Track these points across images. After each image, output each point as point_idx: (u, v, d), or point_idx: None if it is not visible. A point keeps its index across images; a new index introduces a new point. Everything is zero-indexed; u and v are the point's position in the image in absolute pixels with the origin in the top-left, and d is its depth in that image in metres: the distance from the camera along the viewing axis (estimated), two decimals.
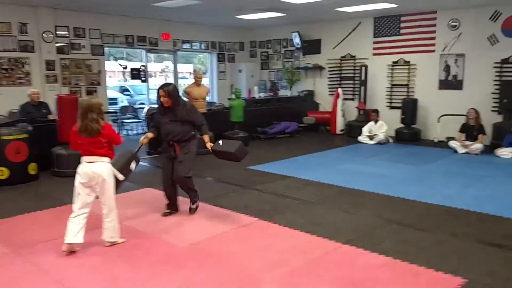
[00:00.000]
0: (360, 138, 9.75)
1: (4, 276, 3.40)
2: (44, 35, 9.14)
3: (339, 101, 10.82)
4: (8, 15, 8.75)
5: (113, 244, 3.94)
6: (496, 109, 9.13)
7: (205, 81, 11.82)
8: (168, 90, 4.45)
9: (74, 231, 3.73)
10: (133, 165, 4.15)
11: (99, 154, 3.81)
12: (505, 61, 9.01)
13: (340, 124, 10.85)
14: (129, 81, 12.48)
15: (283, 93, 12.31)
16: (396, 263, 3.61)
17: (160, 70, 19.72)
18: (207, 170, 6.93)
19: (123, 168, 4.07)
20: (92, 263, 3.64)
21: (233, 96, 9.73)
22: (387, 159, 7.98)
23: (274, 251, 3.88)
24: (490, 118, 8.90)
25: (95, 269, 3.54)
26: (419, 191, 5.71)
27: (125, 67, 11.08)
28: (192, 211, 4.87)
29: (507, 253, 3.82)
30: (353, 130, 10.34)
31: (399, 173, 6.85)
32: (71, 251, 3.76)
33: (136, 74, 11.13)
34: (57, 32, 9.41)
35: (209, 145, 4.61)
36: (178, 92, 4.66)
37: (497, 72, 9.11)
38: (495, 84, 9.13)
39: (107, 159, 3.87)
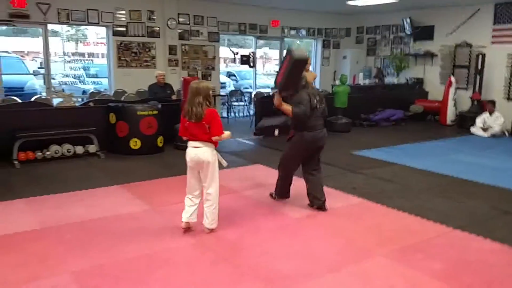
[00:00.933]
0: (473, 130, 9.30)
1: (149, 228, 4.03)
2: (168, 22, 10.05)
3: (451, 90, 10.35)
4: (140, 4, 9.77)
5: (212, 231, 3.90)
6: None
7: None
8: None
9: (189, 212, 3.90)
10: (276, 132, 4.33)
11: (204, 139, 3.78)
12: None
13: (451, 114, 10.39)
14: (237, 66, 13.16)
15: (389, 80, 12.07)
16: (511, 250, 3.60)
17: (264, 57, 20.34)
18: None
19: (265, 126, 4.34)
20: (220, 224, 4.11)
21: (338, 82, 9.84)
22: (503, 152, 7.58)
23: (384, 229, 4.06)
24: None
25: (222, 229, 4.02)
26: None
27: (237, 53, 11.73)
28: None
29: None
30: (465, 121, 9.86)
31: None
32: (188, 227, 3.93)
33: (245, 60, 11.71)
34: (179, 19, 10.27)
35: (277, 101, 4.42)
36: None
37: None
38: None
39: (212, 145, 3.83)
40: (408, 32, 11.66)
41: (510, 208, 4.68)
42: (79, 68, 10.60)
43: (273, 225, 4.14)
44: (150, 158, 6.80)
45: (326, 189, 5.21)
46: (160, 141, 7.13)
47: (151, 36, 10.01)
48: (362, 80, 11.59)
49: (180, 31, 10.31)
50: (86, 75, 10.80)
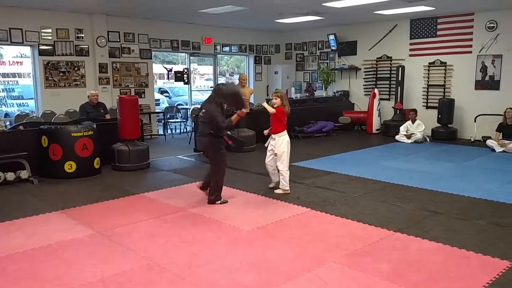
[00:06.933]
0: (397, 137, 10.01)
1: (99, 252, 3.90)
2: (97, 40, 9.78)
3: (375, 101, 11.09)
4: (67, 22, 9.42)
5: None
6: None
7: None
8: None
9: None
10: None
11: None
12: None
13: (376, 124, 11.13)
14: (170, 83, 13.11)
15: (318, 93, 12.66)
16: (447, 248, 3.94)
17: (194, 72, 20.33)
18: (251, 165, 7.38)
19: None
20: (172, 242, 4.10)
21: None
22: (426, 157, 8.24)
23: (331, 236, 4.26)
24: None
25: (175, 247, 4.00)
26: (461, 186, 5.99)
27: (170, 70, 11.68)
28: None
29: None
30: (389, 129, 10.61)
31: (440, 170, 7.11)
32: None
33: (179, 76, 11.69)
34: (109, 37, 10.03)
35: None
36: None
37: None
38: None
39: None
40: (333, 48, 12.33)
41: (438, 208, 5.12)
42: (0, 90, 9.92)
43: (225, 239, 4.18)
44: (87, 181, 6.54)
45: (271, 201, 5.43)
46: (96, 163, 6.89)
47: (79, 55, 9.68)
48: (294, 94, 12.04)
49: (109, 48, 10.07)
50: (8, 97, 10.13)
